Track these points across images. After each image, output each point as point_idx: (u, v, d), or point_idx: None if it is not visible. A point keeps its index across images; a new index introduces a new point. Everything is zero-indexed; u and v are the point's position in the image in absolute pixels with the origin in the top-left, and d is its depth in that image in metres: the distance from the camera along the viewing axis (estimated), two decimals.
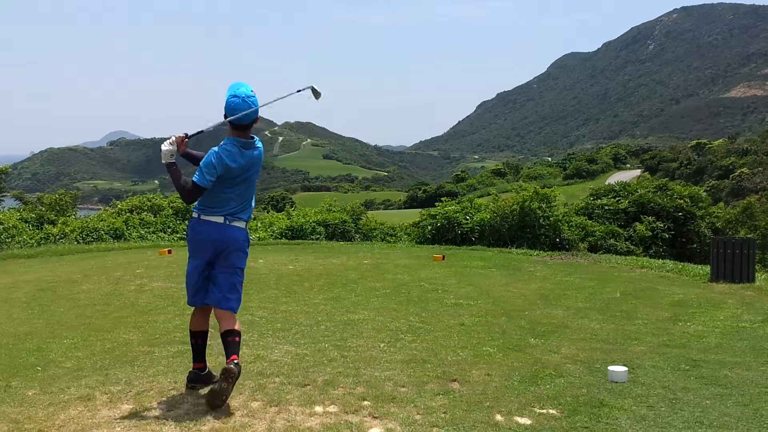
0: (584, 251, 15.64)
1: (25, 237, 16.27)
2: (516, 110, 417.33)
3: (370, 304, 7.85)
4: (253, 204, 4.64)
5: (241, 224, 4.47)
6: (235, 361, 4.21)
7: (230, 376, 4.14)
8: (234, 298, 4.48)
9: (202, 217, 4.42)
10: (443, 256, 12.34)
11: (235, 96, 4.29)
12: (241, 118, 4.31)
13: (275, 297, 8.27)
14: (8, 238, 15.70)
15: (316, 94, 4.62)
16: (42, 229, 17.60)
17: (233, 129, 4.38)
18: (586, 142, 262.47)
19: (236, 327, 4.42)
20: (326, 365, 5.18)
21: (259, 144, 4.51)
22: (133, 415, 4.13)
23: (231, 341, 4.35)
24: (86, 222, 18.16)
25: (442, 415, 4.10)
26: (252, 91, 4.35)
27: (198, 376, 4.64)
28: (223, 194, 4.38)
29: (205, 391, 4.45)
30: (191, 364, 4.77)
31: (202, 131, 4.58)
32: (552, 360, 5.42)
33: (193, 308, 4.67)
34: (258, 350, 5.62)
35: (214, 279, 4.46)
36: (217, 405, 4.15)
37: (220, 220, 4.39)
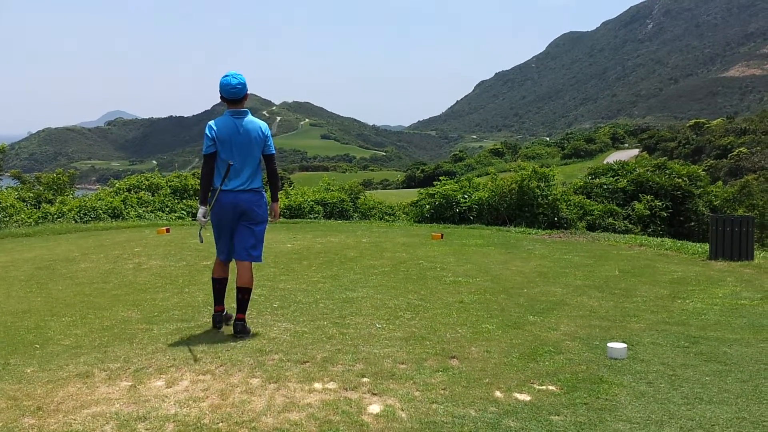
0: (582, 230, 15.63)
1: (23, 216, 16.24)
2: (514, 90, 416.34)
3: (369, 282, 7.84)
4: (258, 178, 5.33)
5: (248, 190, 5.25)
6: (241, 320, 5.29)
7: (237, 334, 5.26)
8: (258, 249, 5.37)
9: (220, 188, 5.22)
10: (441, 235, 12.33)
11: (226, 76, 5.23)
12: (227, 91, 5.17)
13: (274, 275, 8.25)
14: (6, 217, 15.67)
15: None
16: (40, 208, 17.56)
17: (227, 105, 5.25)
18: (585, 121, 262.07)
19: (248, 284, 5.36)
20: (325, 342, 5.18)
21: (253, 119, 5.31)
22: (131, 392, 4.12)
23: (240, 299, 5.33)
24: (84, 201, 18.12)
25: (442, 392, 4.10)
26: (242, 76, 5.25)
27: (219, 318, 5.59)
28: (226, 160, 5.17)
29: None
30: (209, 321, 5.75)
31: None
32: (551, 337, 5.41)
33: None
34: (257, 327, 5.61)
35: (238, 235, 5.31)
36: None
37: (231, 188, 5.20)
